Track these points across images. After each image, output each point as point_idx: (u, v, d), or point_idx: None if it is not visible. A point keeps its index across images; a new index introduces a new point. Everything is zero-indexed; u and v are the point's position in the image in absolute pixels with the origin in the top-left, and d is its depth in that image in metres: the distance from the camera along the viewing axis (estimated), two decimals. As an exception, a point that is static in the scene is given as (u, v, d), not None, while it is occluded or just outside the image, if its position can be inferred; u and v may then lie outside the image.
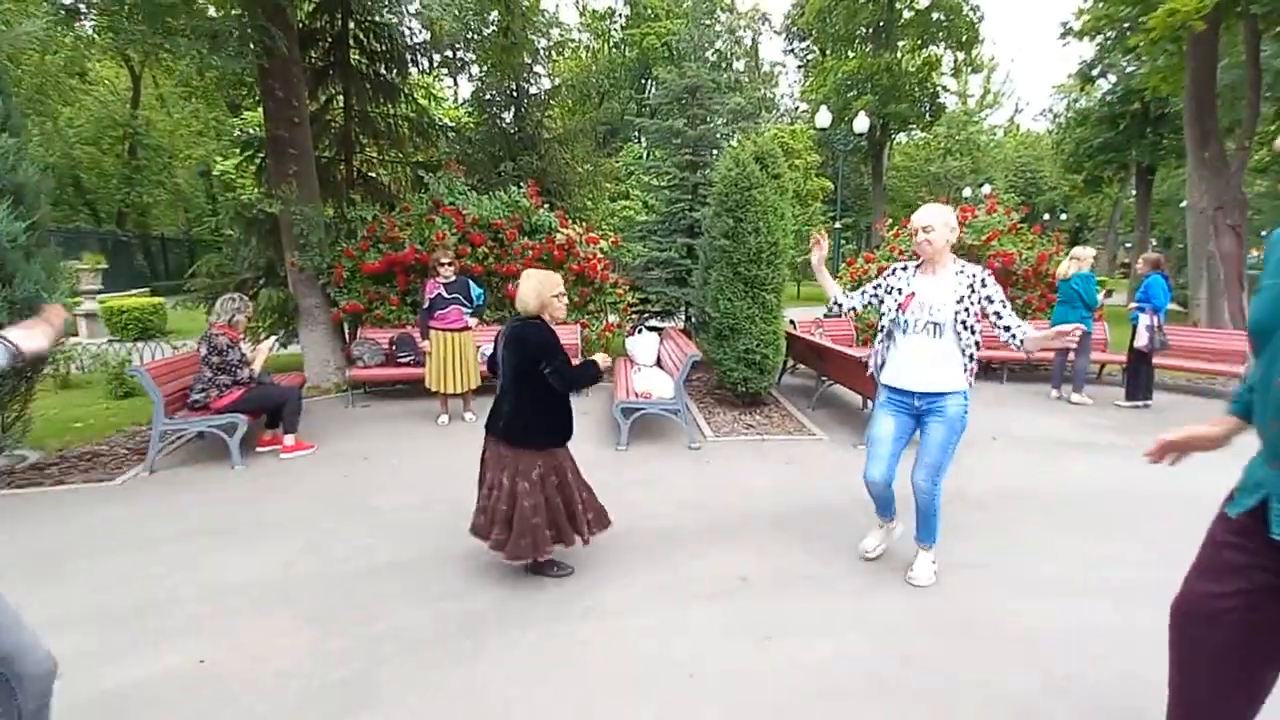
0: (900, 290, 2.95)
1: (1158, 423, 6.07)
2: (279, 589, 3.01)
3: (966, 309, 2.79)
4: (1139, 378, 6.60)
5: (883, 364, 3.06)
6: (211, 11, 6.43)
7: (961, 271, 2.86)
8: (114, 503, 4.09)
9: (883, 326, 3.02)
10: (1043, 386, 7.39)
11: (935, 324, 2.82)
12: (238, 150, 9.81)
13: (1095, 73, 19.93)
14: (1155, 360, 6.69)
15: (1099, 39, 14.87)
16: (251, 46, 5.59)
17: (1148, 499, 4.16)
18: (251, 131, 10.22)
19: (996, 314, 2.83)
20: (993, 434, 5.63)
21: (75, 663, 2.44)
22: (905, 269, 3.01)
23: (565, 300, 3.03)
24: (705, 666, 2.44)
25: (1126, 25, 11.18)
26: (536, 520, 2.88)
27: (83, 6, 5.73)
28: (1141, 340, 6.44)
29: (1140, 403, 6.58)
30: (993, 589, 3.02)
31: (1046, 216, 35.72)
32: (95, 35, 6.85)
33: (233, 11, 6.16)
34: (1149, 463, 1.71)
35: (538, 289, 2.93)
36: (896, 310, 2.92)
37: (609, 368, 2.83)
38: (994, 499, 4.15)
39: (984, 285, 2.83)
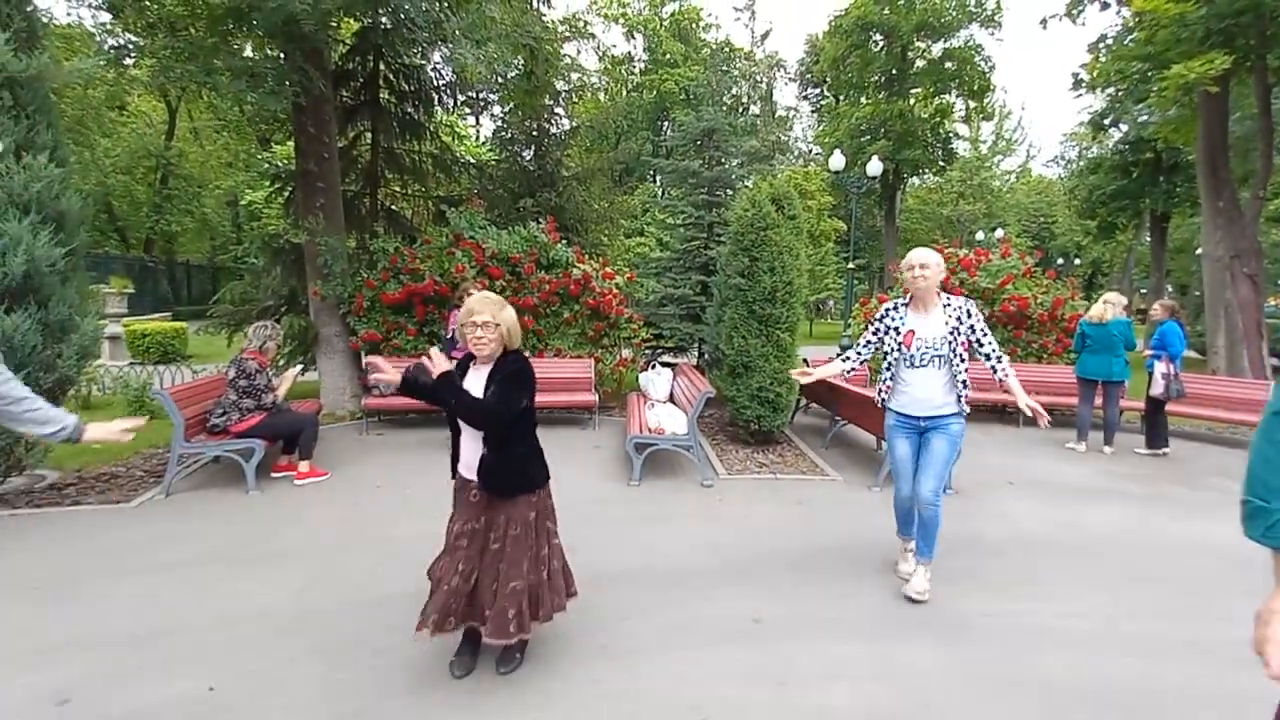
0: (898, 330, 3.25)
1: (1176, 471, 5.97)
2: (290, 617, 3.00)
3: (957, 338, 3.13)
4: (1157, 425, 6.52)
5: (890, 394, 3.35)
6: (251, 52, 6.74)
7: (949, 305, 3.19)
8: (129, 525, 4.12)
9: (888, 364, 3.32)
10: (1058, 433, 7.30)
11: (938, 356, 3.15)
12: (267, 182, 10.10)
13: (1107, 122, 20.18)
14: (1173, 408, 6.59)
15: (1110, 90, 15.12)
16: (288, 85, 5.82)
17: (1169, 549, 4.07)
18: (281, 165, 10.55)
19: (978, 342, 3.20)
20: (1009, 479, 5.56)
21: (85, 686, 2.45)
22: (896, 309, 3.30)
23: (481, 333, 2.40)
24: (718, 711, 2.39)
25: (1136, 78, 11.38)
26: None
27: (130, 48, 6.03)
28: (1157, 389, 6.36)
29: (1159, 451, 6.48)
30: (1014, 638, 2.95)
31: (1060, 262, 35.73)
32: (139, 73, 7.17)
33: (272, 53, 6.45)
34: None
35: (459, 314, 2.51)
36: (900, 347, 3.23)
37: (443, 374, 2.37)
38: (1012, 546, 4.08)
39: (969, 315, 3.17)
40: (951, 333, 3.12)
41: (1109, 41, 12.21)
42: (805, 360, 8.12)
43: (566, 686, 2.51)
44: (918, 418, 3.23)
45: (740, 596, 3.29)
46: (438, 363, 2.38)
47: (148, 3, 5.83)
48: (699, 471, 5.27)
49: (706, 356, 9.01)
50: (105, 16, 6.39)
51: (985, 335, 3.18)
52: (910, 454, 3.30)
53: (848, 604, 3.24)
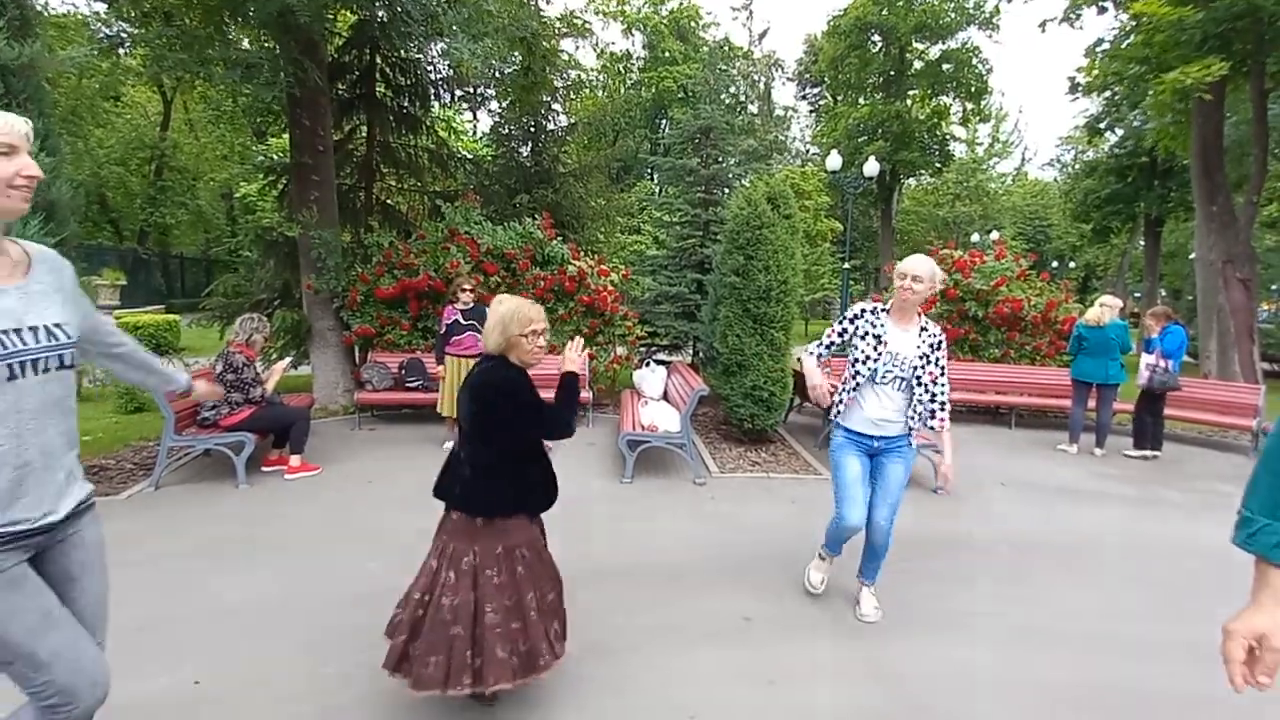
0: (878, 338, 2.90)
1: (1167, 474, 6.00)
2: (278, 611, 2.98)
3: (925, 366, 2.87)
4: (1145, 426, 6.54)
5: (844, 408, 3.00)
6: (246, 44, 6.69)
7: (926, 329, 2.93)
8: (118, 518, 4.09)
9: (856, 372, 2.95)
10: (1051, 435, 7.33)
11: (902, 378, 2.88)
12: (261, 175, 10.05)
13: (1103, 126, 20.25)
14: (1168, 411, 6.63)
15: (1106, 94, 15.17)
16: (283, 77, 5.78)
17: (1160, 551, 4.10)
18: (276, 157, 10.50)
19: (934, 379, 2.91)
20: (1001, 480, 5.57)
21: (70, 679, 2.43)
22: (875, 313, 2.96)
23: (543, 340, 2.29)
24: (707, 709, 2.39)
25: (1132, 81, 11.42)
26: (456, 630, 2.11)
27: (124, 37, 5.98)
28: (1141, 379, 6.40)
29: (1149, 452, 6.51)
30: (1005, 639, 2.96)
31: (1055, 264, 35.88)
32: (133, 63, 7.13)
33: (267, 44, 6.40)
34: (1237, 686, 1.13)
35: (502, 322, 2.23)
36: (876, 358, 2.89)
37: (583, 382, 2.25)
38: (1002, 546, 4.09)
39: (940, 348, 2.92)
40: (922, 358, 2.86)
41: (1106, 45, 12.26)
42: (800, 360, 8.15)
43: (556, 683, 2.51)
44: (871, 437, 2.93)
45: (731, 595, 3.29)
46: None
47: (142, -9, 5.78)
48: (691, 469, 5.27)
49: (701, 354, 9.01)
50: (100, 5, 6.35)
51: (944, 375, 2.91)
52: (862, 476, 2.96)
53: (838, 604, 3.24)
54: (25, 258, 1.50)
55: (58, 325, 1.48)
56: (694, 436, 5.94)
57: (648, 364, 7.21)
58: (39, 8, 5.21)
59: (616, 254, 14.22)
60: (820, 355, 3.08)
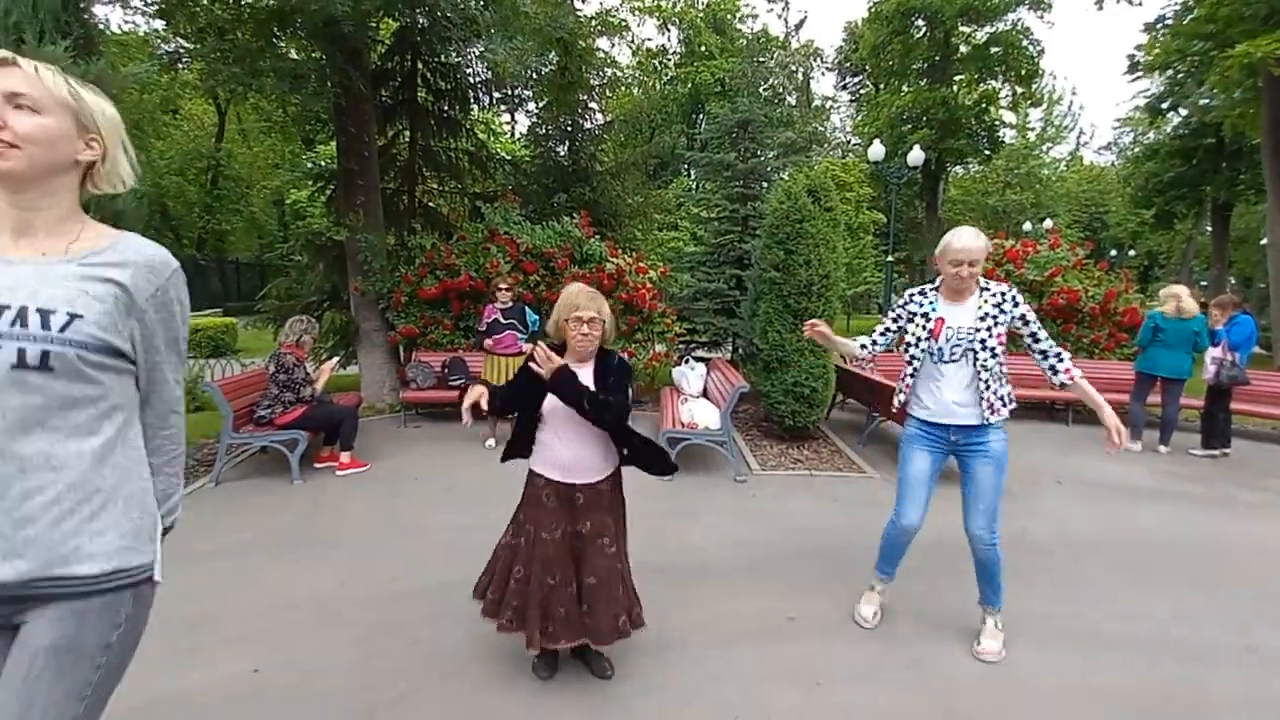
0: (927, 316, 2.68)
1: (1235, 471, 5.68)
2: (332, 605, 3.08)
3: (991, 328, 2.57)
4: (1215, 423, 6.19)
5: (912, 396, 2.78)
6: (294, 54, 6.92)
7: (986, 290, 2.63)
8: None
9: (911, 358, 2.74)
10: (1110, 430, 7.01)
11: (971, 350, 2.58)
12: (310, 181, 10.39)
13: (1165, 106, 19.23)
14: (1237, 406, 6.26)
15: (1168, 73, 14.41)
16: (330, 86, 5.96)
17: (1224, 554, 3.88)
18: (324, 164, 10.83)
19: (1034, 336, 2.62)
20: (1057, 477, 5.37)
21: (134, 667, 2.56)
22: (924, 294, 2.75)
23: (588, 329, 2.34)
24: (750, 710, 2.37)
25: (1197, 59, 10.83)
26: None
27: (182, 52, 6.26)
28: (1208, 374, 6.07)
29: (1217, 451, 6.16)
30: (1059, 643, 2.85)
31: (1113, 253, 34.31)
32: (191, 76, 7.46)
33: (314, 55, 6.61)
34: None
35: (556, 308, 2.42)
36: (928, 337, 2.65)
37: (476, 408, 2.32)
38: (1058, 546, 3.94)
39: (1015, 305, 2.60)
40: (982, 318, 2.57)
41: (1168, 21, 11.65)
42: (843, 355, 7.99)
43: (596, 681, 2.52)
44: (947, 428, 2.66)
45: (774, 594, 3.25)
46: (552, 360, 2.24)
47: (196, 9, 6.04)
48: (732, 467, 5.24)
49: (740, 351, 8.93)
50: (159, 23, 6.66)
51: (1041, 330, 2.60)
52: (928, 473, 2.73)
53: (885, 604, 3.17)
54: (96, 240, 1.21)
55: (46, 311, 1.05)
56: (734, 434, 5.90)
57: (687, 361, 7.18)
58: (102, 27, 5.48)
59: (654, 251, 14.20)
60: (867, 346, 2.87)
